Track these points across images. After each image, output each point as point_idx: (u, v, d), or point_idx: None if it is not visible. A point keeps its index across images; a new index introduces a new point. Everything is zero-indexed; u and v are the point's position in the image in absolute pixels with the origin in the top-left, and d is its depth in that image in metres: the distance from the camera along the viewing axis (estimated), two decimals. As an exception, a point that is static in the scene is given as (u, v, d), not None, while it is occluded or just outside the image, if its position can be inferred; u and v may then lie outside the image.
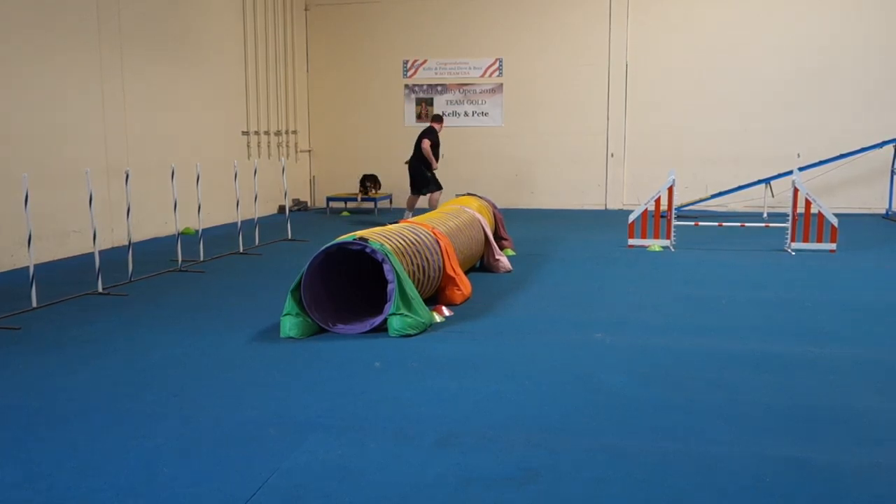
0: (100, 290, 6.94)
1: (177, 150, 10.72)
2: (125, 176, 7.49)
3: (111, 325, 5.91)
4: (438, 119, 11.85)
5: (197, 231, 8.82)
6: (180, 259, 8.21)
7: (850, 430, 3.71)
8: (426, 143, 11.39)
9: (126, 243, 7.65)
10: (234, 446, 3.58)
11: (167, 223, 10.16)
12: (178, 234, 8.34)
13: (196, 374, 4.70)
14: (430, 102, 14.82)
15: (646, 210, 9.46)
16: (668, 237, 9.41)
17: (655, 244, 9.39)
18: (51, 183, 8.60)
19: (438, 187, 11.68)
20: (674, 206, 9.43)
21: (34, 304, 6.34)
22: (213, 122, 12.13)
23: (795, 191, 9.13)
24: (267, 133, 13.71)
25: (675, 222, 9.45)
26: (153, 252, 9.13)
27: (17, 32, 8.34)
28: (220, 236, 10.19)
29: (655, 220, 9.45)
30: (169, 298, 6.85)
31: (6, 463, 3.45)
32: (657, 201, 9.38)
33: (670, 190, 9.35)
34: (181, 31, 11.34)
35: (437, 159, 11.58)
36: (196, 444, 3.61)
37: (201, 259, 8.56)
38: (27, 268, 6.44)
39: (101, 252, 7.09)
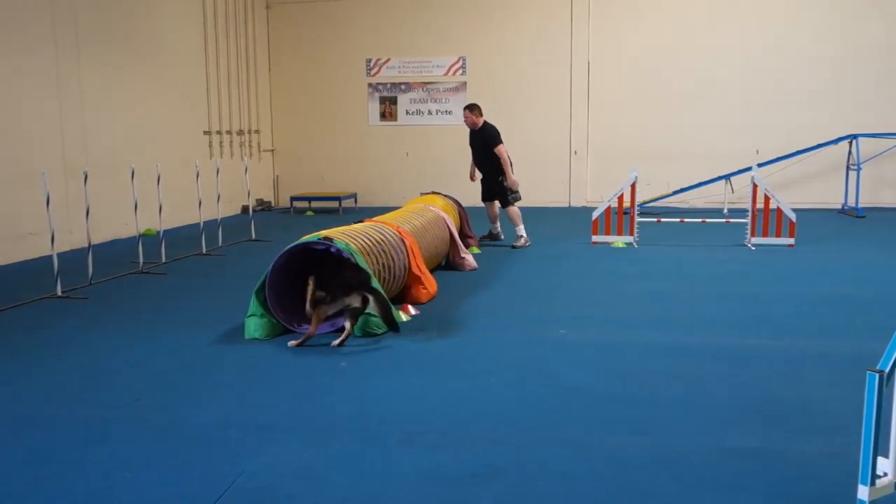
0: (59, 293, 6.82)
1: (137, 150, 10.55)
2: (83, 176, 7.36)
3: (71, 328, 5.81)
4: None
5: (158, 232, 8.70)
6: (141, 261, 8.08)
7: (807, 420, 3.79)
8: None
9: (85, 245, 7.51)
10: (198, 449, 3.55)
11: (128, 224, 9.98)
12: (139, 235, 8.22)
13: (158, 377, 4.64)
14: (393, 101, 14.80)
15: (609, 207, 9.56)
16: (632, 234, 9.52)
17: (619, 241, 9.49)
18: (6, 184, 8.43)
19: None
20: (636, 203, 9.55)
21: (-10, 308, 6.21)
22: (175, 122, 11.97)
23: (754, 187, 9.30)
24: (229, 132, 13.56)
25: (637, 219, 9.56)
26: (113, 254, 8.98)
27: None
28: (183, 237, 10.06)
29: (618, 217, 9.55)
30: (130, 301, 6.75)
31: (-38, 471, 3.38)
32: (620, 198, 9.49)
33: (633, 187, 9.46)
34: (140, 29, 11.16)
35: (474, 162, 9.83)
36: (158, 449, 3.56)
37: (163, 261, 8.44)
38: (-18, 272, 6.30)
39: (59, 254, 6.96)
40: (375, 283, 5.29)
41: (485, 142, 9.50)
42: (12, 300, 6.58)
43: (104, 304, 6.62)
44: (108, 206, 9.91)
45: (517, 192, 9.58)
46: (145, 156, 10.36)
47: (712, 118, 13.61)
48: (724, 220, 10.59)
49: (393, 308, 5.71)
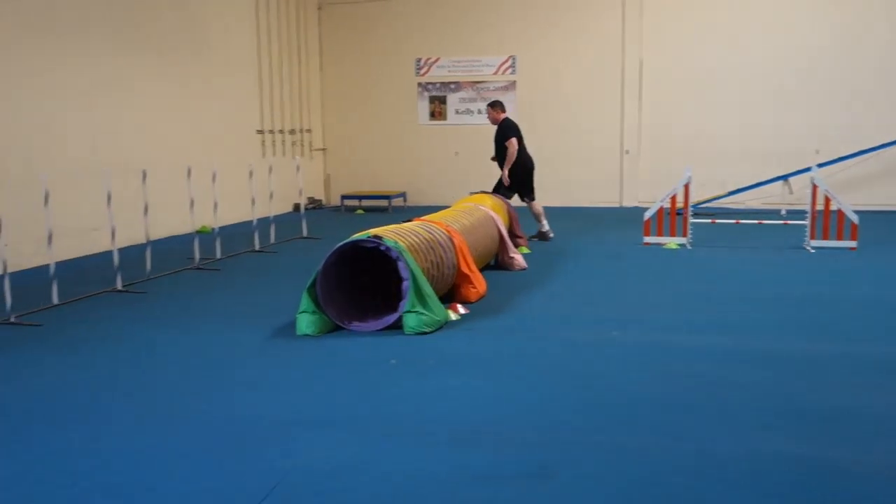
0: (119, 287, 7.00)
1: (193, 149, 10.75)
2: (142, 175, 7.54)
3: (129, 322, 5.96)
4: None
5: (213, 229, 8.87)
6: (197, 257, 8.26)
7: (861, 428, 3.67)
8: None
9: (144, 241, 7.70)
10: (250, 443, 3.60)
11: (184, 221, 10.20)
12: (195, 232, 8.39)
13: (212, 371, 4.73)
14: (443, 100, 14.81)
15: (661, 207, 9.41)
16: (685, 235, 9.35)
17: (672, 242, 9.34)
18: (69, 182, 8.67)
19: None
20: (690, 204, 9.37)
21: (55, 301, 6.41)
22: (228, 121, 12.18)
23: (814, 188, 9.05)
24: (281, 132, 13.75)
25: (691, 220, 9.39)
26: (171, 250, 9.17)
27: (34, 36, 8.42)
28: (236, 234, 10.23)
29: (671, 218, 9.40)
30: (186, 296, 6.89)
31: (16, 458, 3.49)
32: (673, 199, 9.33)
33: (686, 187, 9.28)
34: (194, 31, 11.39)
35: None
36: (209, 442, 3.62)
37: (218, 257, 8.61)
38: (48, 266, 6.50)
39: (119, 250, 7.14)
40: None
41: (502, 136, 9.74)
42: (76, 293, 6.78)
43: (161, 298, 6.78)
44: (165, 204, 10.12)
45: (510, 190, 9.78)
46: (201, 155, 10.54)
47: (770, 116, 13.29)
48: (781, 221, 10.32)
49: (441, 307, 5.72)
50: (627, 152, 14.06)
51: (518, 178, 9.75)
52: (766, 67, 13.26)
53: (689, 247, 9.22)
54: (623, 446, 3.50)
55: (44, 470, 3.35)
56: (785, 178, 12.32)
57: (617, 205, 14.18)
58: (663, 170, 13.35)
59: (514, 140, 9.62)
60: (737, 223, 10.14)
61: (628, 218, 12.10)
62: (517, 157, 9.65)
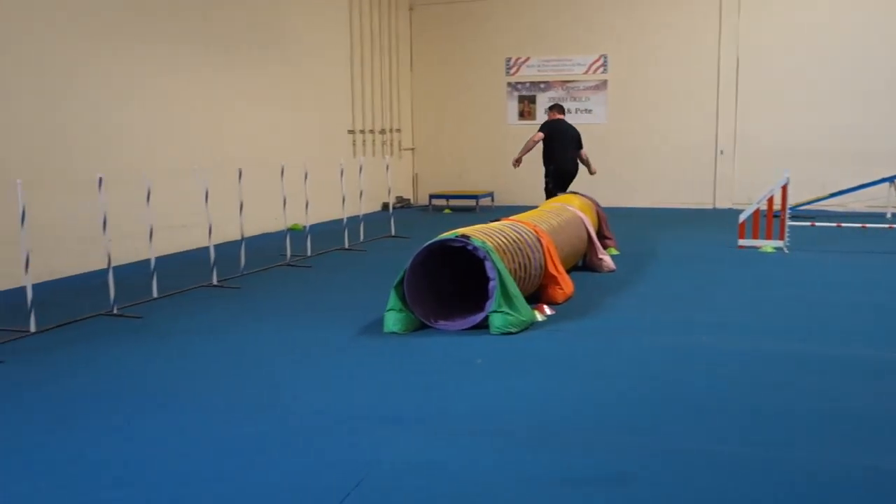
0: (214, 282, 7.27)
1: (286, 149, 11.04)
2: (238, 173, 7.80)
3: (223, 316, 6.18)
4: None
5: (305, 227, 9.09)
6: (289, 254, 8.49)
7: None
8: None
9: (238, 238, 7.97)
10: (334, 438, 3.66)
11: (276, 219, 10.49)
12: (287, 229, 8.63)
13: (300, 366, 4.85)
14: (532, 100, 14.73)
15: (757, 209, 9.09)
16: (782, 238, 9.00)
17: (768, 245, 9.00)
18: (168, 180, 9.06)
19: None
20: (788, 206, 9.01)
21: (154, 294, 6.71)
22: (320, 121, 12.46)
23: (924, 190, 8.56)
24: (372, 131, 13.97)
25: (789, 222, 9.02)
26: (263, 247, 9.45)
27: (134, 43, 8.84)
28: (327, 232, 10.45)
29: (768, 220, 9.06)
30: (278, 292, 7.09)
31: (113, 444, 3.65)
32: (770, 200, 8.99)
33: (784, 188, 8.93)
34: (288, 32, 11.70)
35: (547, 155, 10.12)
36: (296, 435, 3.70)
37: (308, 254, 8.82)
38: (148, 260, 6.81)
39: (215, 246, 7.41)
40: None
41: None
42: (174, 287, 7.08)
43: (254, 293, 7.00)
44: (258, 201, 10.43)
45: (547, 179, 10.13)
46: (294, 154, 10.81)
47: (875, 115, 12.61)
48: (887, 225, 9.81)
49: (528, 307, 5.69)
50: (722, 153, 13.64)
51: (556, 179, 10.02)
52: (870, 65, 12.60)
53: (785, 251, 8.87)
54: (704, 454, 3.40)
55: (124, 455, 3.51)
56: (891, 179, 11.69)
57: (710, 206, 13.77)
58: (759, 171, 12.89)
59: (539, 133, 9.98)
60: (838, 226, 9.68)
61: (722, 220, 11.74)
62: (554, 156, 9.97)
